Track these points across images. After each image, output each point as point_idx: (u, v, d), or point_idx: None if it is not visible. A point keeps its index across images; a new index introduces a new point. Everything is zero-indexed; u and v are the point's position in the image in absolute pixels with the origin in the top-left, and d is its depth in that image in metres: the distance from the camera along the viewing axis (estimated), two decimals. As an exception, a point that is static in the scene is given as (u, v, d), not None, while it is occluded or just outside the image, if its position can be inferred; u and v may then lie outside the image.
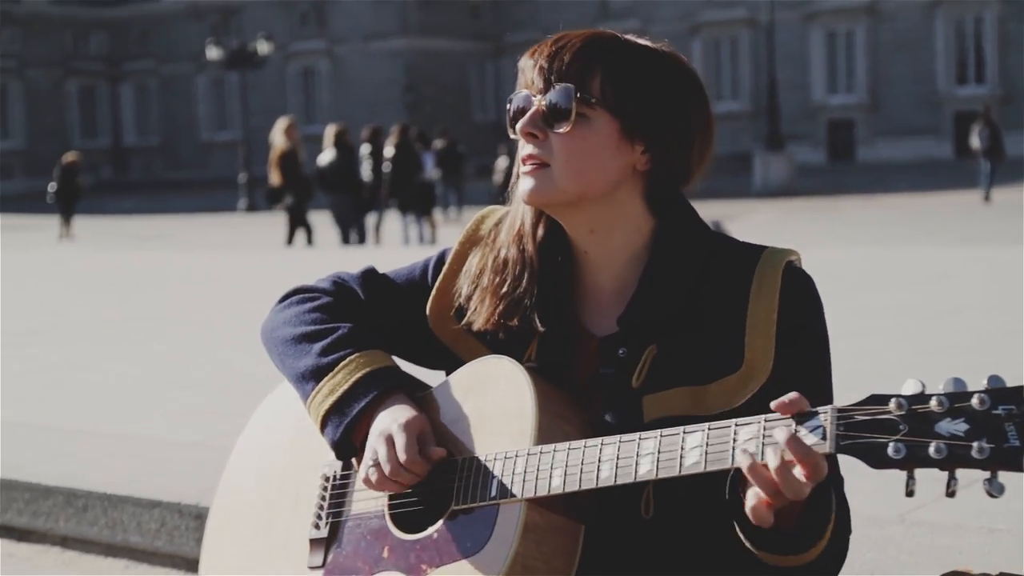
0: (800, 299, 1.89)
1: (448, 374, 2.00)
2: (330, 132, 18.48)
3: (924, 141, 49.43)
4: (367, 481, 1.89)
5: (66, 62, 64.34)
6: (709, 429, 1.67)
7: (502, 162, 27.65)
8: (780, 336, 1.86)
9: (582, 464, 1.74)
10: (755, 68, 52.12)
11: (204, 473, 4.24)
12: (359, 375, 1.95)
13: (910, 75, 50.38)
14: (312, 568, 1.97)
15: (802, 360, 1.87)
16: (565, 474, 1.75)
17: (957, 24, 50.27)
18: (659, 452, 1.69)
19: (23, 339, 8.53)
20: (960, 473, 1.52)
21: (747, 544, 1.76)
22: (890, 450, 1.52)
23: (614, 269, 1.93)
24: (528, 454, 1.79)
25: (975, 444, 1.48)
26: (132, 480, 4.25)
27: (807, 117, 51.52)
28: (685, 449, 1.68)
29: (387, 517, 1.93)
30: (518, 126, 1.89)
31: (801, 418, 1.61)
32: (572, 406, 1.89)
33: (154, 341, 8.35)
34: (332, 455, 1.98)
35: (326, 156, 18.04)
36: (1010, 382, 1.52)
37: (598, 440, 1.75)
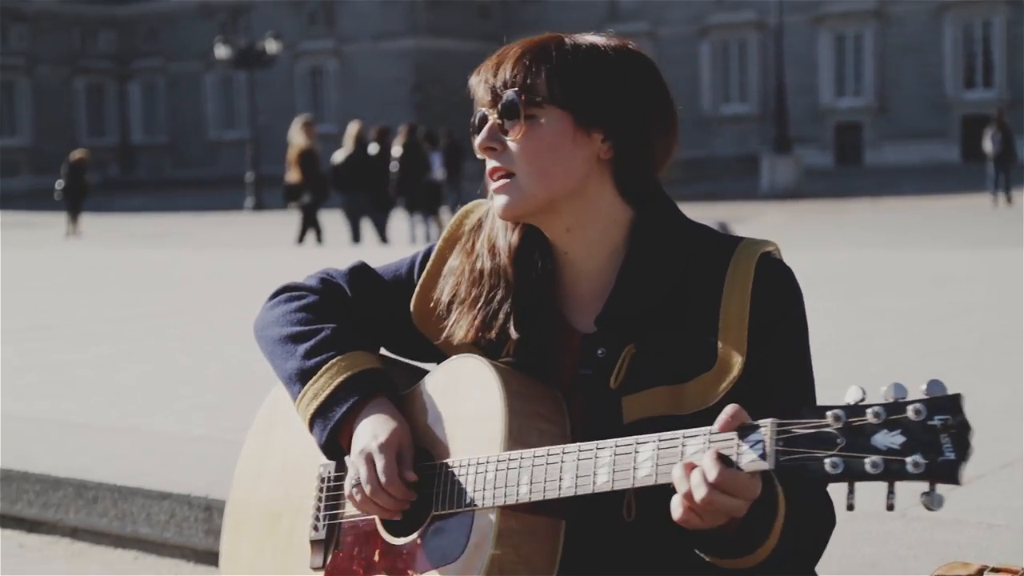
0: (775, 291, 1.87)
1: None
2: (352, 130, 18.55)
3: (932, 145, 49.34)
4: (351, 499, 1.91)
5: (74, 60, 64.36)
6: (659, 441, 1.68)
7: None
8: (754, 330, 1.84)
9: (546, 474, 1.76)
10: (763, 71, 52.08)
11: (212, 466, 4.29)
12: (340, 379, 1.97)
13: (918, 79, 50.31)
14: (314, 569, 1.99)
15: (779, 354, 1.85)
16: (531, 483, 1.76)
17: (965, 28, 50.19)
18: (614, 464, 1.70)
19: (32, 335, 8.57)
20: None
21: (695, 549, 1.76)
22: (827, 465, 1.49)
23: (595, 265, 1.93)
24: (498, 461, 1.80)
25: (909, 459, 1.45)
26: (142, 472, 4.30)
27: (815, 120, 51.46)
28: (638, 461, 1.68)
29: (377, 521, 1.95)
30: (475, 143, 1.92)
31: (744, 431, 1.59)
32: (552, 403, 1.89)
33: (163, 338, 8.39)
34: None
35: (342, 154, 18.11)
36: (952, 388, 1.49)
37: (560, 448, 1.76)
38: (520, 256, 1.95)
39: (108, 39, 65.92)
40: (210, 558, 3.97)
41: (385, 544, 1.92)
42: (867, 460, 1.47)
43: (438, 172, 22.19)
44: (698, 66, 54.40)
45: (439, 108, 53.65)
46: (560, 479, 1.74)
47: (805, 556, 1.84)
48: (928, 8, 50.50)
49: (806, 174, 35.97)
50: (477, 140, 1.91)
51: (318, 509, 2.01)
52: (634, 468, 1.68)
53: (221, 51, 40.73)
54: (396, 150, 19.90)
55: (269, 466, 2.13)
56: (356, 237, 18.40)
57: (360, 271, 2.13)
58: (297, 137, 18.14)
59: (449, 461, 1.87)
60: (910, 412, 1.46)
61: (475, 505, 1.81)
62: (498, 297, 1.95)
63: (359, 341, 2.04)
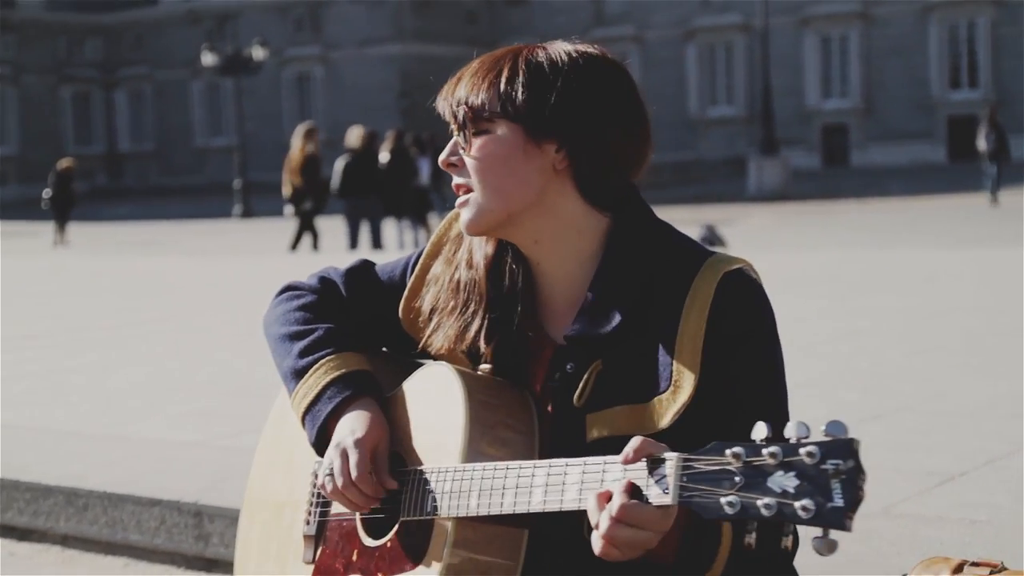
0: (736, 309, 1.84)
1: None
2: (355, 135, 18.55)
3: (918, 145, 49.49)
4: (323, 489, 1.95)
5: (60, 68, 64.31)
6: (585, 466, 1.69)
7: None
8: (713, 349, 1.82)
9: (491, 489, 1.78)
10: (749, 73, 52.21)
11: (203, 472, 4.29)
12: (328, 379, 2.01)
13: (904, 80, 50.46)
14: (306, 563, 2.04)
15: (742, 371, 1.83)
16: (479, 498, 1.79)
17: (950, 29, 50.36)
18: (547, 485, 1.72)
19: (21, 343, 8.56)
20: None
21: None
22: (724, 505, 1.48)
23: (567, 274, 1.93)
24: (454, 471, 1.83)
25: (798, 503, 1.42)
26: (132, 479, 4.29)
27: (801, 122, 51.58)
28: (566, 484, 1.69)
29: (358, 520, 1.99)
30: (439, 160, 1.94)
31: (653, 464, 1.59)
32: (520, 411, 1.90)
33: (153, 344, 8.39)
34: None
35: (345, 159, 18.11)
36: (853, 430, 1.46)
37: (505, 465, 1.78)
38: (494, 268, 1.98)
39: (94, 47, 65.87)
40: (200, 564, 3.98)
41: (362, 544, 1.97)
42: (760, 502, 1.46)
43: (426, 177, 22.19)
44: (684, 69, 54.51)
45: (426, 114, 53.46)
46: (503, 496, 1.76)
47: (780, 556, 1.74)
48: (913, 9, 50.67)
49: (793, 176, 36.06)
50: (440, 157, 1.95)
51: (311, 504, 2.06)
52: (562, 491, 1.70)
53: (208, 58, 40.70)
54: (384, 156, 19.90)
55: (279, 458, 2.19)
56: (354, 243, 18.41)
57: (359, 271, 2.17)
58: (301, 143, 18.18)
59: (418, 468, 1.91)
60: (803, 455, 1.43)
61: (434, 513, 1.84)
62: (471, 309, 1.98)
63: (352, 341, 2.08)
